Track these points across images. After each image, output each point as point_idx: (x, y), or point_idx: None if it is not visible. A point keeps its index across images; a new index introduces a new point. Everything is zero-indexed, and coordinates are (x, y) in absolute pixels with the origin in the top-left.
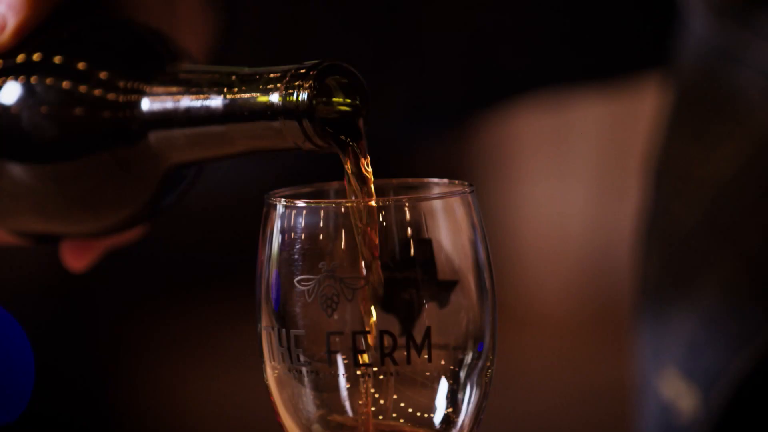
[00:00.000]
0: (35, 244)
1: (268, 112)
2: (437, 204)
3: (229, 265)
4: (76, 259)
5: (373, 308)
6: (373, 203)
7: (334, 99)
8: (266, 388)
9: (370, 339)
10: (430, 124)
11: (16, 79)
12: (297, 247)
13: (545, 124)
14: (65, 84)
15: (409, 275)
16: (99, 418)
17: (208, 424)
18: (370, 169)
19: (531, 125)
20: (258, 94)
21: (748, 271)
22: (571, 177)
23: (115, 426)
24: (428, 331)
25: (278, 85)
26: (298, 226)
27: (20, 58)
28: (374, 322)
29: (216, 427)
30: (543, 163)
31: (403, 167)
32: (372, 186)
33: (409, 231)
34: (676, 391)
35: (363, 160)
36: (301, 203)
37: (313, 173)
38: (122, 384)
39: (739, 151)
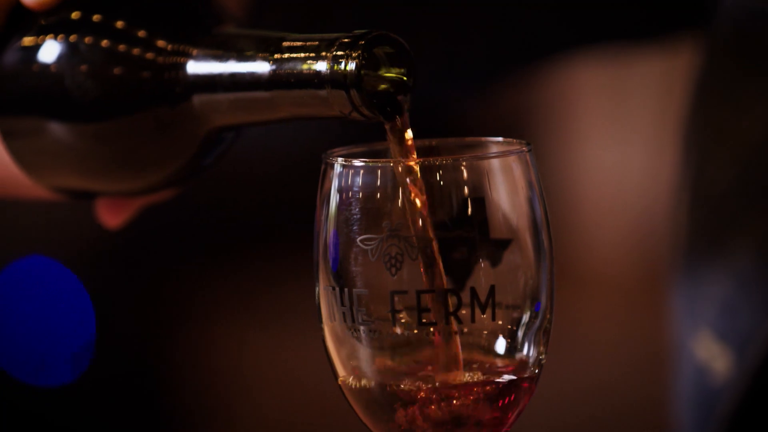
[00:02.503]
0: (72, 200)
1: (315, 80)
2: (495, 163)
3: (273, 227)
4: (111, 216)
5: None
6: (428, 161)
7: (382, 69)
8: (324, 347)
9: (431, 299)
10: (475, 81)
11: (60, 37)
12: (357, 206)
13: (600, 80)
14: (110, 44)
15: (467, 234)
16: (157, 379)
17: (265, 383)
18: (411, 142)
19: (585, 81)
20: (305, 62)
21: None
22: (627, 134)
23: (175, 385)
24: (492, 289)
25: (326, 53)
26: (358, 185)
27: (65, 16)
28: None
29: (273, 387)
30: (598, 119)
31: (455, 125)
32: (415, 159)
33: (467, 190)
34: (711, 353)
35: (407, 132)
36: (359, 162)
37: (357, 135)
38: (178, 344)
39: None
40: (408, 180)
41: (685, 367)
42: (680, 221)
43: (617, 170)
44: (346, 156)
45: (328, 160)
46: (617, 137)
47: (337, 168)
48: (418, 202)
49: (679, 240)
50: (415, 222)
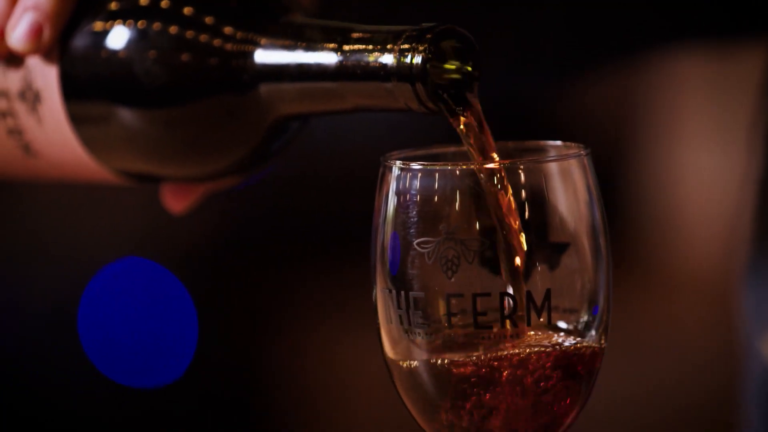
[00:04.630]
0: (136, 185)
1: (381, 73)
2: (553, 166)
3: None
4: (176, 201)
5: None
6: (488, 165)
7: (448, 64)
8: (381, 350)
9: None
10: (556, 77)
11: (129, 23)
12: (415, 209)
13: (693, 78)
14: (179, 31)
15: (526, 238)
16: (255, 381)
17: (327, 385)
18: (488, 133)
19: (676, 78)
20: (372, 54)
21: None
22: (711, 134)
23: (271, 389)
24: (548, 293)
25: (393, 46)
26: (415, 188)
27: (134, 1)
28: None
29: (333, 388)
30: (689, 119)
31: (540, 123)
32: (494, 150)
33: (524, 194)
34: None
35: (482, 124)
36: (417, 165)
37: (417, 138)
38: (275, 347)
39: None
40: (467, 183)
41: (753, 367)
42: (754, 222)
43: (702, 170)
44: (404, 159)
45: (387, 163)
46: (702, 138)
47: (395, 171)
48: (488, 206)
49: (747, 240)
50: (473, 225)
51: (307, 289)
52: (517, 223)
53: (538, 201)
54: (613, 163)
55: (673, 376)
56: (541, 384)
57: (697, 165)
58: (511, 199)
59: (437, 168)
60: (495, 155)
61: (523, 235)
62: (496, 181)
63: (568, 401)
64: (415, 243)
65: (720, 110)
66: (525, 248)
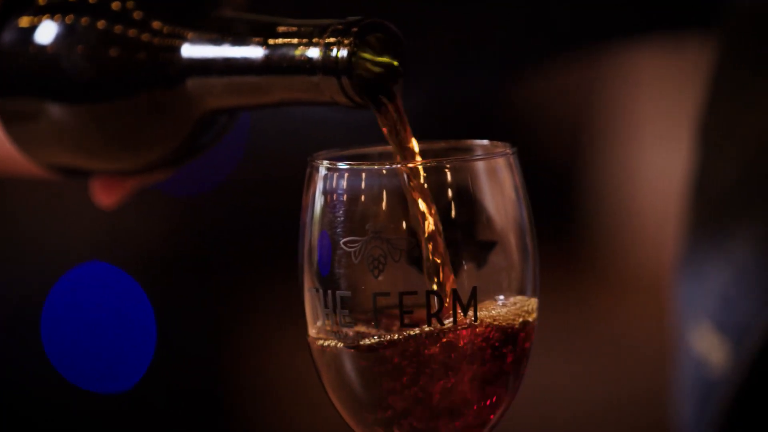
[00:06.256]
0: (65, 178)
1: (307, 66)
2: (480, 165)
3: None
4: (105, 195)
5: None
6: (414, 165)
7: (374, 57)
8: (308, 349)
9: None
10: (498, 74)
11: (57, 17)
12: (342, 208)
13: (649, 71)
14: (106, 25)
15: (453, 236)
16: (216, 384)
17: (287, 385)
18: (408, 128)
19: (626, 72)
20: (298, 48)
21: None
22: (680, 132)
23: (233, 392)
24: (474, 291)
25: (319, 40)
26: (342, 187)
27: None
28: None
29: (293, 389)
30: (647, 116)
31: (490, 121)
32: (414, 145)
33: (451, 192)
34: (709, 345)
35: (401, 119)
36: (343, 165)
37: (345, 138)
38: (236, 350)
39: None
40: (393, 183)
41: (685, 359)
42: (686, 216)
43: (650, 166)
44: (331, 159)
45: (314, 163)
46: (651, 134)
47: (322, 171)
48: (408, 203)
49: (685, 233)
50: (400, 224)
51: (267, 291)
52: (436, 222)
53: (465, 200)
54: (562, 161)
55: (606, 369)
56: (467, 381)
57: (645, 161)
58: (429, 198)
59: (363, 167)
60: (415, 150)
61: (441, 235)
62: (421, 180)
63: (494, 399)
64: (342, 242)
65: (670, 106)
66: (443, 249)
